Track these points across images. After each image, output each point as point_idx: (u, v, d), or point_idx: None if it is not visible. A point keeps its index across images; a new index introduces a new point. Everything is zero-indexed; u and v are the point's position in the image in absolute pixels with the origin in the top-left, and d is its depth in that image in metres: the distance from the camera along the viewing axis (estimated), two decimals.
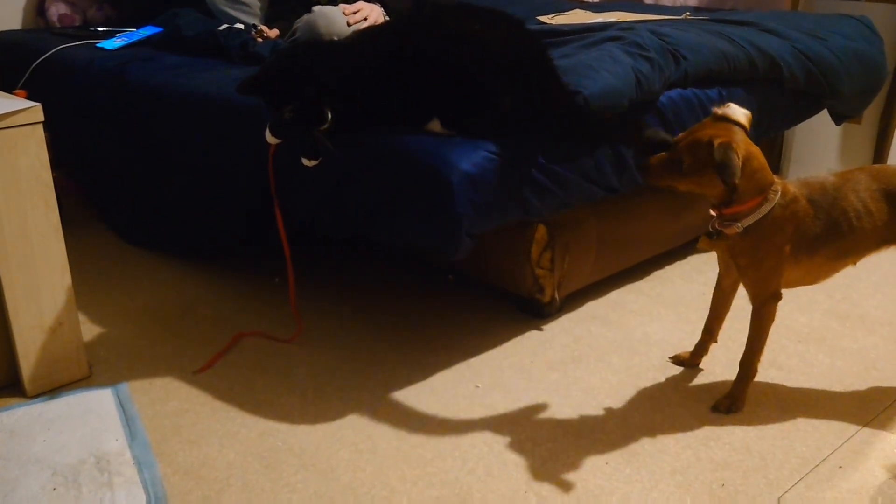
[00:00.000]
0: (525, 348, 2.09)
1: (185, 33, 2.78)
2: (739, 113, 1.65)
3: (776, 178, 1.68)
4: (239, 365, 2.02)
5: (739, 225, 1.66)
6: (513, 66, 1.82)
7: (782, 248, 1.68)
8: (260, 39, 2.69)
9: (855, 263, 1.79)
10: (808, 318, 2.24)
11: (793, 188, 1.69)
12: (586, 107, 1.85)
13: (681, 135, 1.68)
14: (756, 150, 1.64)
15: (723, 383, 1.90)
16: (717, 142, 1.58)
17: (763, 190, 1.65)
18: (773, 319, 1.77)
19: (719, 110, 1.65)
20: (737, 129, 1.63)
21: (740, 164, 1.57)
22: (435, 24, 1.90)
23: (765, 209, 1.65)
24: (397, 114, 1.84)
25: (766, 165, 1.66)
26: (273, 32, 2.78)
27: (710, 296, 1.94)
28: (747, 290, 1.76)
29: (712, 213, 1.71)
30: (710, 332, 1.96)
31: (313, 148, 1.85)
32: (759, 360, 1.81)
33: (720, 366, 1.99)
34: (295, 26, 2.63)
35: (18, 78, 2.81)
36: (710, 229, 1.73)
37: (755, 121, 2.37)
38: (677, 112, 2.14)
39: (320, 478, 1.61)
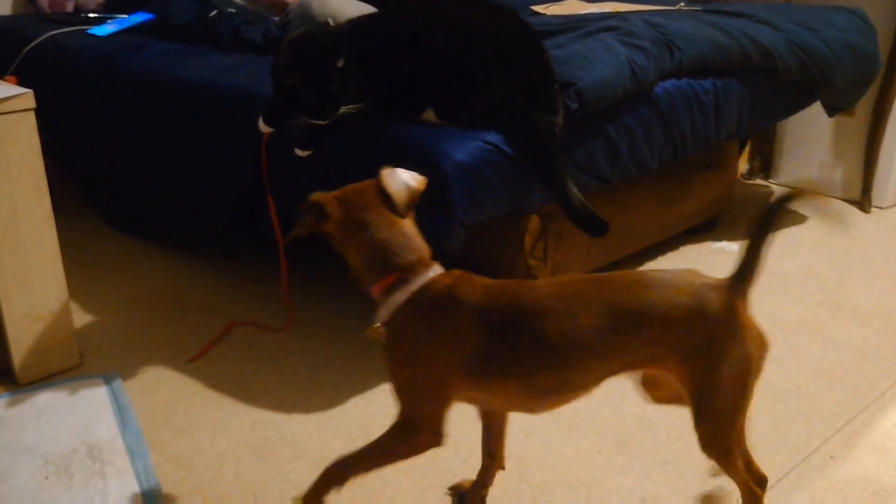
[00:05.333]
0: None
1: (176, 20, 2.76)
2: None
3: (429, 261, 1.30)
4: (231, 354, 2.02)
5: (384, 312, 1.28)
6: (508, 57, 1.82)
7: (424, 355, 1.25)
8: None
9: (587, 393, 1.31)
10: (800, 309, 2.25)
11: (450, 281, 1.27)
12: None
13: None
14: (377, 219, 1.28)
15: None
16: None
17: (398, 268, 1.27)
18: (405, 453, 1.31)
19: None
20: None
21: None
22: (430, 13, 1.89)
23: (401, 295, 1.26)
24: (392, 103, 1.83)
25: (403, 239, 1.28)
26: None
27: None
28: None
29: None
30: (491, 454, 1.49)
31: (307, 137, 1.84)
32: (355, 476, 1.32)
33: None
34: (289, 9, 2.63)
35: (8, 64, 2.79)
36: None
37: (750, 112, 2.40)
38: (671, 103, 2.14)
39: (313, 467, 1.61)
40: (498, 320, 1.23)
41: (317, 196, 1.28)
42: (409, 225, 1.30)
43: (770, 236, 1.22)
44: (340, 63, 1.72)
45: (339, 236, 1.29)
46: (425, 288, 1.26)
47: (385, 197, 1.28)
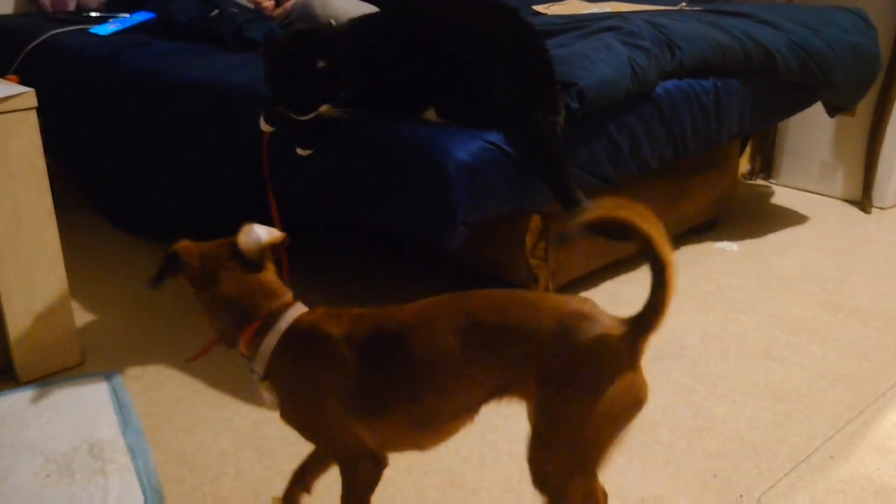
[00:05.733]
0: None
1: (179, 19, 2.77)
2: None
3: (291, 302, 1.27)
4: (232, 353, 2.00)
5: (259, 364, 1.25)
6: (509, 57, 1.82)
7: (315, 400, 1.22)
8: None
9: (472, 420, 1.24)
10: (801, 309, 2.25)
11: (315, 317, 1.24)
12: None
13: None
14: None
15: (716, 373, 1.91)
16: None
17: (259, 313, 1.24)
18: (364, 486, 1.27)
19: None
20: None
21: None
22: (431, 12, 1.89)
23: (270, 341, 1.23)
24: (393, 102, 1.83)
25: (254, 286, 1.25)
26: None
27: (705, 286, 1.93)
28: None
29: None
30: (303, 478, 1.42)
31: (307, 136, 1.84)
32: None
33: (713, 356, 1.99)
34: (291, 8, 2.63)
35: (10, 63, 2.79)
36: None
37: (751, 111, 2.40)
38: (673, 103, 2.14)
39: None
40: (368, 346, 1.19)
41: (178, 246, 1.25)
42: (266, 274, 1.27)
43: (671, 283, 1.15)
44: (321, 64, 1.73)
45: (195, 288, 1.25)
46: (293, 327, 1.22)
47: (237, 253, 1.25)
